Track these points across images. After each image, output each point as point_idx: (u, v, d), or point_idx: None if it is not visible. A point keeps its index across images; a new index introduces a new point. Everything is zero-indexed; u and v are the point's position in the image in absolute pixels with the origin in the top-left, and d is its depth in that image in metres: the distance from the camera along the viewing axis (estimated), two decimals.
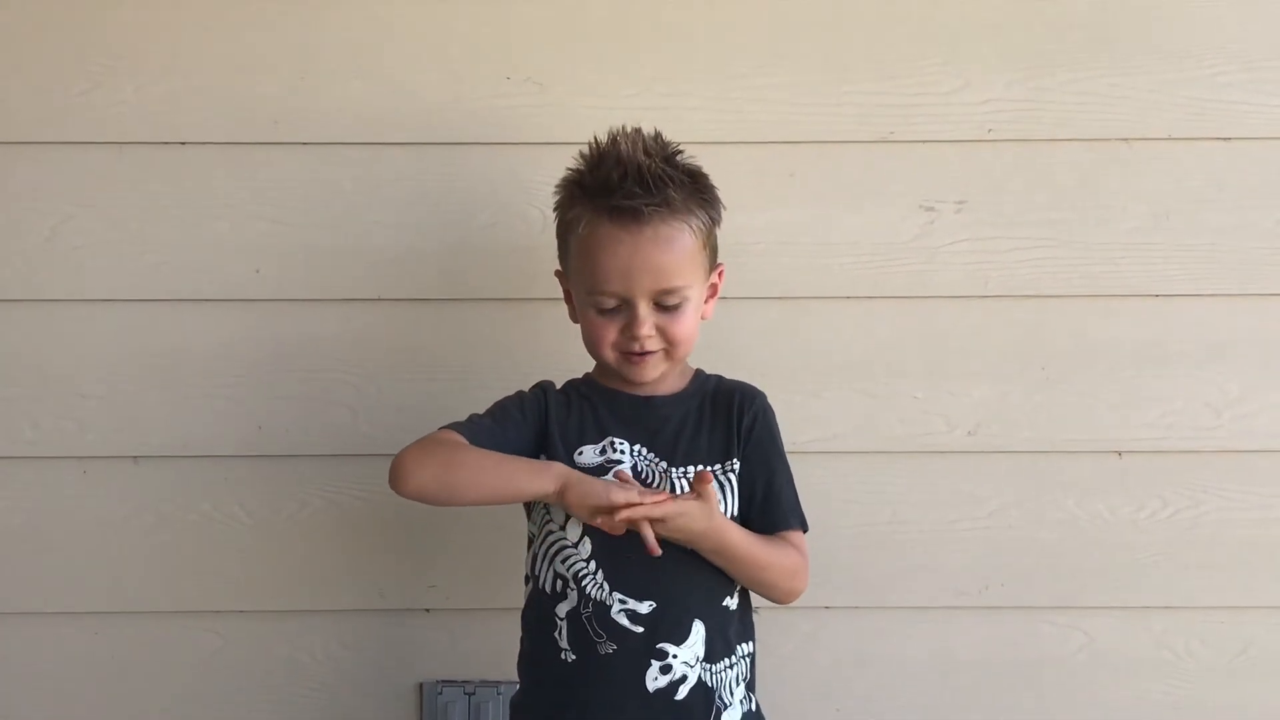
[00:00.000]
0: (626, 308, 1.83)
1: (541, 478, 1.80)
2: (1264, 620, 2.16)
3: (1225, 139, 2.12)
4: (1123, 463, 2.14)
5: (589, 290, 1.85)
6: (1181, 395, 2.14)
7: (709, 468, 1.86)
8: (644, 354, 1.85)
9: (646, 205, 1.79)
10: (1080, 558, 2.15)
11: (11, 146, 2.11)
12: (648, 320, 1.83)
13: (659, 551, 1.76)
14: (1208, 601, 2.15)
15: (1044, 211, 2.13)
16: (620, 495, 1.76)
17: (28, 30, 2.10)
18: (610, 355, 1.86)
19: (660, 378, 1.89)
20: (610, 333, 1.85)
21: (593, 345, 1.88)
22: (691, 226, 1.83)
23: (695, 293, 1.85)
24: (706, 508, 1.78)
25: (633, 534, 1.78)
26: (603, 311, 1.84)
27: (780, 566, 1.86)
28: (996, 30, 2.12)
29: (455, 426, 1.87)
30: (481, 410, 1.91)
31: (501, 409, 1.91)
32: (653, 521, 1.75)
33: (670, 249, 1.82)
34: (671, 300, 1.83)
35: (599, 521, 1.77)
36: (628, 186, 1.80)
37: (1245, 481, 2.14)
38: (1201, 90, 2.12)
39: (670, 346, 1.85)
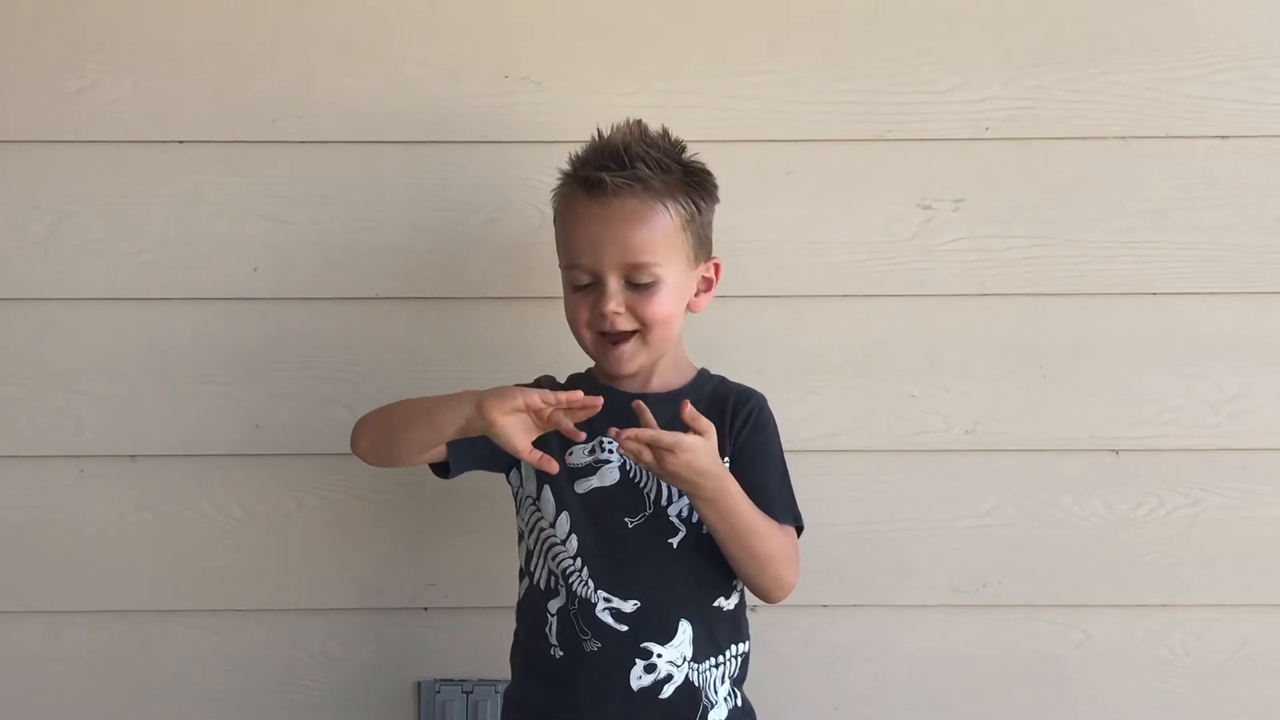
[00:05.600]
0: (598, 284, 1.81)
1: (460, 403, 1.78)
2: (1261, 618, 2.16)
3: (1223, 137, 2.12)
4: (1120, 461, 2.14)
5: (564, 265, 1.85)
6: (1179, 393, 2.14)
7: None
8: (617, 337, 1.82)
9: (613, 177, 1.78)
10: (1077, 556, 2.15)
11: (8, 145, 2.11)
12: (615, 296, 1.80)
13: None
14: (1205, 599, 2.15)
15: (1041, 209, 2.13)
16: (535, 397, 1.74)
17: (24, 28, 2.10)
18: (587, 336, 1.84)
19: (647, 372, 1.87)
20: (584, 311, 1.82)
21: (571, 326, 1.86)
22: (667, 206, 1.81)
23: (671, 274, 1.81)
24: (709, 444, 1.72)
25: (618, 530, 1.79)
26: (577, 289, 1.83)
27: (778, 544, 1.80)
28: (994, 28, 2.12)
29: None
30: None
31: None
32: (657, 455, 1.70)
33: (640, 224, 1.80)
34: (642, 278, 1.80)
35: (532, 457, 1.75)
36: (602, 160, 1.81)
37: (1242, 479, 2.14)
38: (1199, 88, 2.11)
39: (644, 329, 1.81)
